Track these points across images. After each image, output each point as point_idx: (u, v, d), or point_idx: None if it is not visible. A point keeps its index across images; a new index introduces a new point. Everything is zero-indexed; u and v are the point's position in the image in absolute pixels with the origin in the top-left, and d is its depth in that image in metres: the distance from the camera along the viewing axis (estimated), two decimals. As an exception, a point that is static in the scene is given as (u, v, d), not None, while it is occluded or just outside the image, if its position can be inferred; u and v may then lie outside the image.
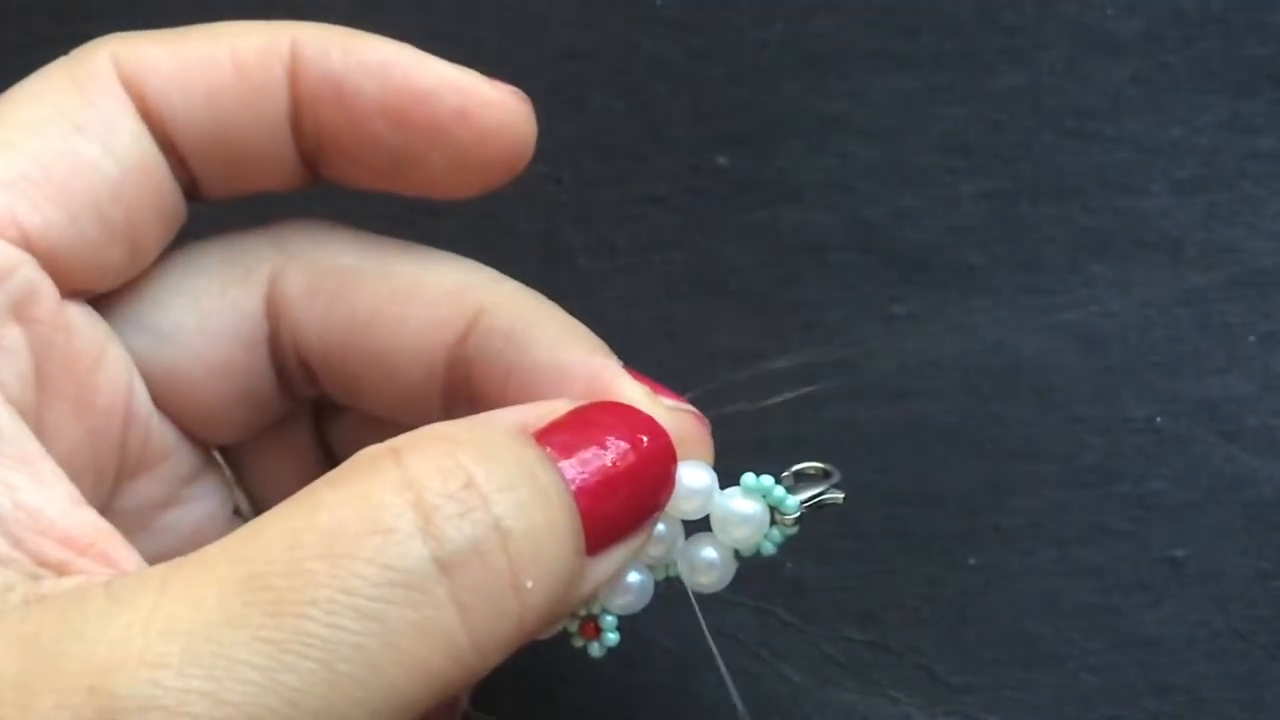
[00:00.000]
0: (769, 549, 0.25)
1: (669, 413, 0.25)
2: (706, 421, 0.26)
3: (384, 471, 0.21)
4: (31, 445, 0.22)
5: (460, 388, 0.27)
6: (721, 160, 0.35)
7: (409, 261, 0.27)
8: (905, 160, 0.35)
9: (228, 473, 0.29)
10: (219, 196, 0.27)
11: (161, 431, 0.27)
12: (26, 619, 0.20)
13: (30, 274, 0.24)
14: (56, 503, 0.22)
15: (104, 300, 0.26)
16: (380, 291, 0.27)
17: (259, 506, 0.30)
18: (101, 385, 0.25)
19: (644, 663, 0.32)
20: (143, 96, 0.25)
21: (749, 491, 0.24)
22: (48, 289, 0.24)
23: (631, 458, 0.23)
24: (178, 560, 0.21)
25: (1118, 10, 0.35)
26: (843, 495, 0.25)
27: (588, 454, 0.23)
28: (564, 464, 0.22)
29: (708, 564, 0.25)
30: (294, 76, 0.26)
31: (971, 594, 0.32)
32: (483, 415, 0.23)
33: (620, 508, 0.23)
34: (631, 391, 0.25)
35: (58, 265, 0.24)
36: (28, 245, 0.24)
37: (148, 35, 0.26)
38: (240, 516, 0.29)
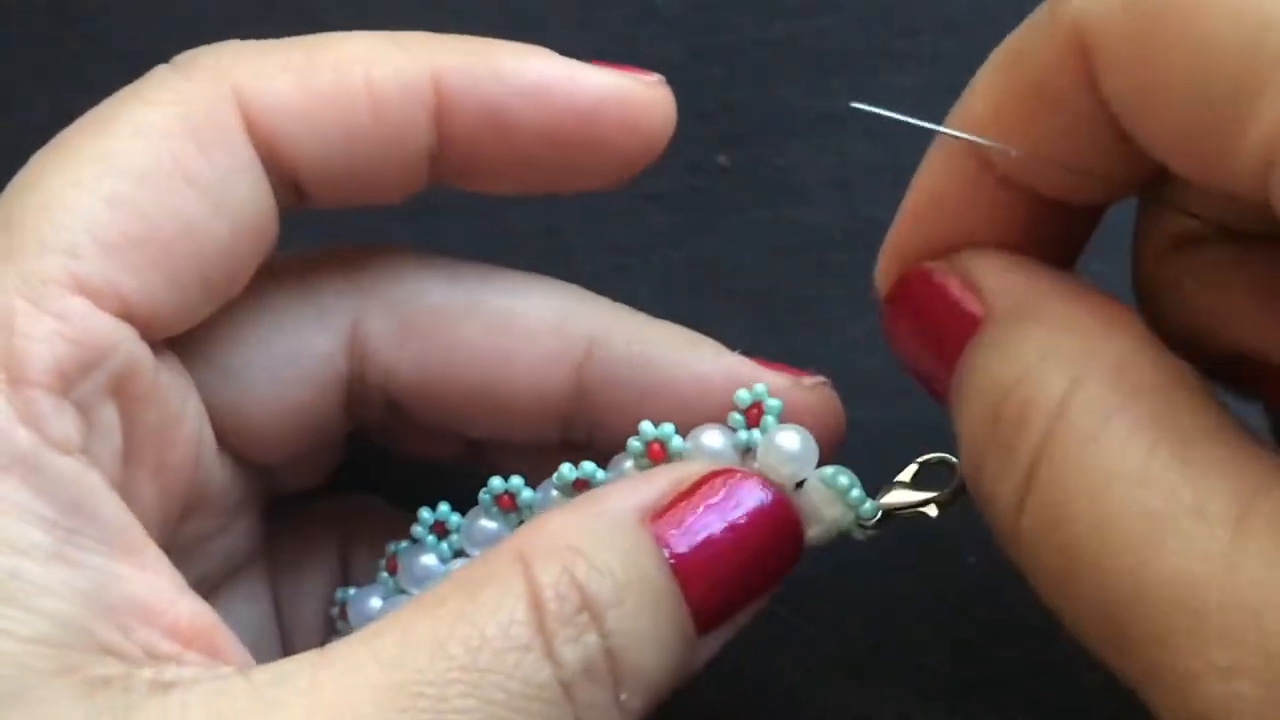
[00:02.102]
0: (858, 536, 0.26)
1: (811, 391, 0.27)
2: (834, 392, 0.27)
3: (514, 585, 0.22)
4: (137, 533, 0.22)
5: (583, 413, 0.27)
6: (721, 159, 0.35)
7: (496, 292, 0.27)
8: (905, 159, 0.34)
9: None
10: (323, 207, 0.26)
11: (222, 468, 0.27)
12: (168, 714, 0.20)
13: (131, 349, 0.23)
14: (164, 592, 0.22)
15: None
16: (475, 329, 0.27)
17: (283, 498, 0.30)
18: (177, 442, 0.25)
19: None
20: (273, 143, 0.24)
21: (828, 485, 0.25)
22: (146, 362, 0.23)
23: (751, 539, 0.24)
24: (315, 657, 0.21)
25: (1118, 9, 0.35)
26: (936, 512, 0.26)
27: (705, 538, 0.23)
28: (679, 549, 0.23)
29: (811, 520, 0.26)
30: (443, 111, 0.25)
31: (972, 592, 0.32)
32: (602, 498, 0.24)
33: (736, 590, 0.24)
34: (777, 380, 0.26)
35: (154, 327, 0.24)
36: (128, 314, 0.23)
37: (268, 57, 0.25)
38: (265, 523, 0.29)
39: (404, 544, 0.28)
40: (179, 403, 0.25)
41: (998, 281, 0.24)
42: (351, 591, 0.28)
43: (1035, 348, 0.22)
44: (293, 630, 0.29)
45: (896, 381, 0.33)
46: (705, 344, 0.27)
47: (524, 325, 0.27)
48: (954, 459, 0.26)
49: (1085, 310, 0.23)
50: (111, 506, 0.22)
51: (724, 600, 0.24)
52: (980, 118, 0.23)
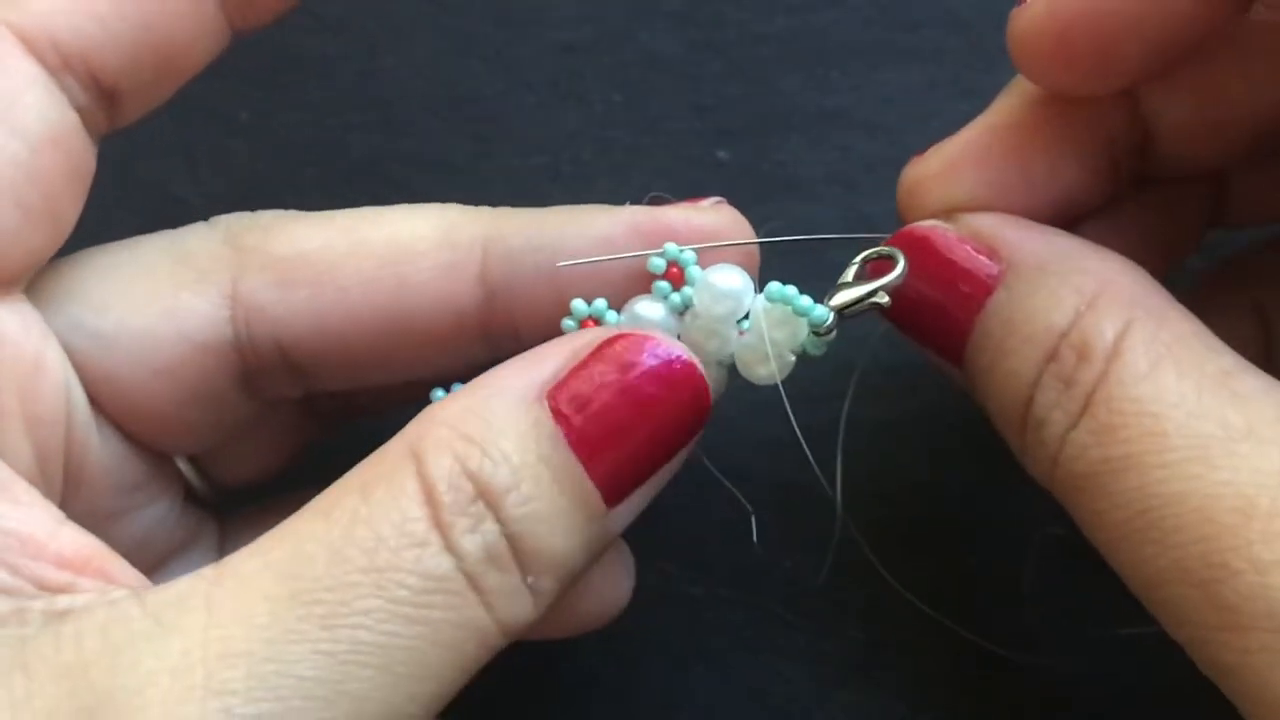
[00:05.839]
0: (814, 352, 0.25)
1: (713, 212, 0.26)
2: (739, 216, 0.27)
3: (407, 481, 0.22)
4: (2, 470, 0.22)
5: (500, 320, 0.26)
6: (721, 154, 0.35)
7: (374, 225, 0.26)
8: (906, 155, 0.34)
9: (191, 477, 0.28)
10: (143, 109, 0.26)
11: (105, 441, 0.26)
12: (61, 646, 0.20)
13: None
14: (43, 524, 0.22)
15: (41, 301, 0.25)
16: (363, 264, 0.26)
17: (222, 490, 0.29)
18: (43, 393, 0.24)
19: (644, 662, 0.31)
20: (61, 51, 0.24)
21: (773, 301, 0.25)
22: None
23: (653, 403, 0.23)
24: (211, 573, 0.21)
25: (1120, 4, 0.35)
26: (887, 299, 0.25)
27: (603, 408, 0.23)
28: (577, 423, 0.23)
29: (763, 357, 0.25)
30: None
31: (971, 592, 0.31)
32: (495, 379, 0.23)
33: (642, 458, 0.23)
34: (676, 216, 0.26)
35: None
36: None
37: None
38: (204, 513, 0.28)
39: None
40: (34, 349, 0.24)
41: (1016, 237, 0.25)
42: (442, 392, 0.27)
43: (1079, 294, 0.24)
44: None
45: (897, 381, 0.33)
46: (594, 209, 0.26)
47: (411, 247, 0.26)
48: (895, 250, 0.25)
49: (1113, 264, 0.24)
50: None
51: (631, 470, 0.23)
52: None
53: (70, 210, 0.25)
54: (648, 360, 0.23)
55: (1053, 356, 0.23)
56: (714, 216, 0.26)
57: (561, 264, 0.25)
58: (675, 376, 0.24)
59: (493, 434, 0.22)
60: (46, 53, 0.24)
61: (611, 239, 0.25)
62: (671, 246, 0.25)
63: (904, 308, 0.26)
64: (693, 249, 0.25)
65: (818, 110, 0.35)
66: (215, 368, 0.26)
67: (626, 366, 0.23)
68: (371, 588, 0.21)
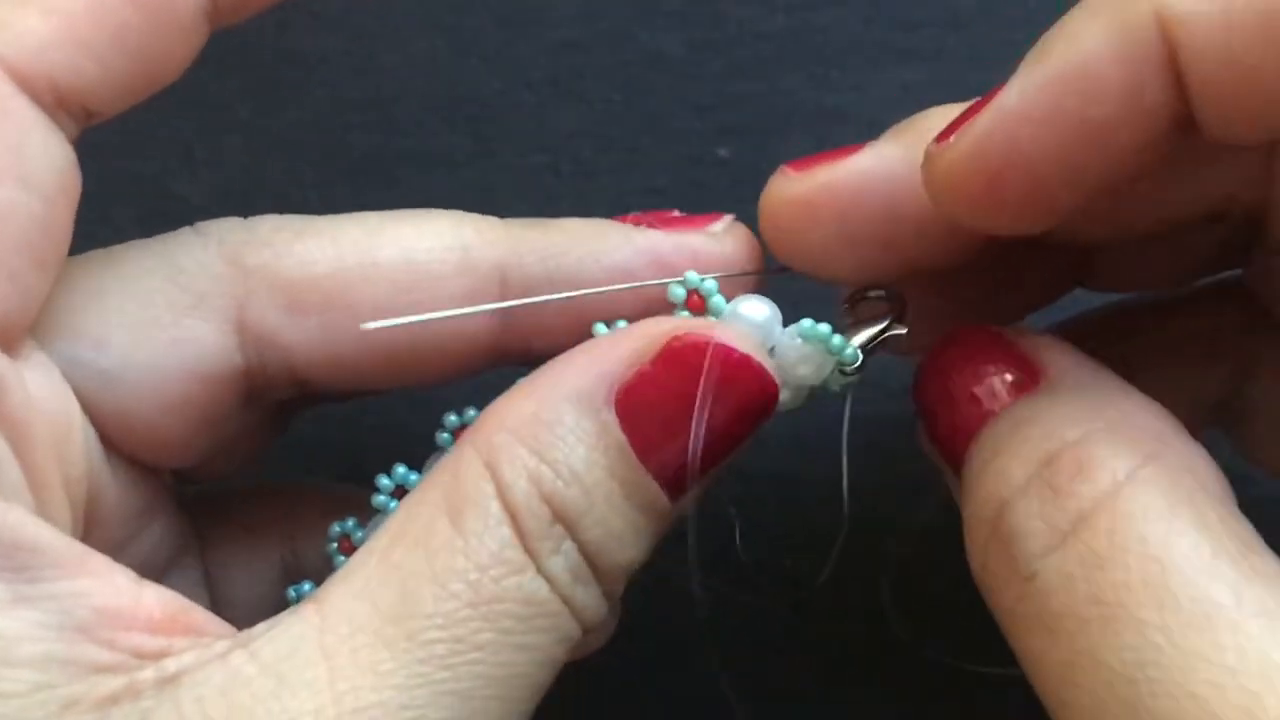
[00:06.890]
0: (835, 388, 0.25)
1: (728, 235, 0.26)
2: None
3: (490, 503, 0.22)
4: (75, 546, 0.22)
5: (512, 340, 0.26)
6: (722, 152, 0.35)
7: (389, 244, 0.25)
8: (907, 154, 0.34)
9: (170, 484, 0.28)
10: (112, 115, 0.24)
11: (114, 475, 0.25)
12: (185, 715, 0.20)
13: None
14: (125, 592, 0.22)
15: (40, 338, 0.24)
16: (378, 290, 0.25)
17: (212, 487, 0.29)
18: (73, 452, 0.24)
19: (644, 662, 0.31)
20: (53, 85, 0.23)
21: (806, 339, 0.24)
22: (12, 376, 0.22)
23: (720, 403, 0.23)
24: (315, 618, 0.21)
25: (1120, 4, 0.35)
26: (906, 328, 0.25)
27: (668, 409, 0.23)
28: (645, 426, 0.22)
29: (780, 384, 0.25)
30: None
31: (973, 589, 0.31)
32: (563, 376, 0.23)
33: (708, 457, 0.23)
34: (696, 243, 0.26)
35: (9, 327, 0.22)
36: None
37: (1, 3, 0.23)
38: (188, 520, 0.28)
39: (350, 522, 0.27)
40: (64, 408, 0.23)
41: (1061, 358, 0.24)
42: (350, 523, 0.27)
43: (1101, 418, 0.21)
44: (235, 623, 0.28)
45: (897, 378, 0.33)
46: (611, 231, 0.26)
47: (427, 270, 0.25)
48: (891, 291, 0.25)
49: (1149, 406, 0.22)
50: (43, 531, 0.21)
51: (696, 469, 0.23)
52: (1009, 109, 0.22)
53: (67, 245, 0.24)
54: (712, 357, 0.23)
55: (1050, 462, 0.21)
56: (733, 245, 0.26)
57: (366, 326, 0.25)
58: (739, 372, 0.23)
59: (563, 450, 0.22)
60: (43, 93, 0.23)
61: (631, 270, 0.25)
62: (692, 275, 0.25)
63: (936, 387, 0.25)
64: (714, 278, 0.25)
65: (818, 109, 0.35)
66: (223, 394, 0.26)
67: (692, 365, 0.23)
68: (482, 621, 0.21)
